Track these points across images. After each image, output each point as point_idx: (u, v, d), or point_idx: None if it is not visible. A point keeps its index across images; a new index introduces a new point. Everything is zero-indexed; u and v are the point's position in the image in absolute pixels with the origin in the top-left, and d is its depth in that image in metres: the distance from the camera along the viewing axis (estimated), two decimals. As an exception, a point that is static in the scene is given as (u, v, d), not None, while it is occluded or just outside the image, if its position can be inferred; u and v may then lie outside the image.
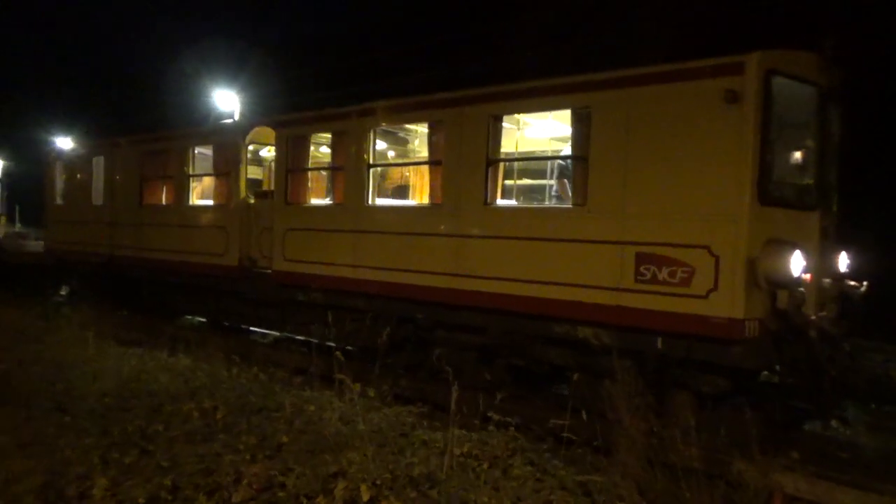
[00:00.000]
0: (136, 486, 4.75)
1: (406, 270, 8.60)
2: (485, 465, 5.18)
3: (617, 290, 6.69)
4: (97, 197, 14.97)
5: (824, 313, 6.87)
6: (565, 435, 5.52)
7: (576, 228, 7.09)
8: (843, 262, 7.14)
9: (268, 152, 12.37)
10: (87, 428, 5.94)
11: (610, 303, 6.73)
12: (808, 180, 7.04)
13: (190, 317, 13.82)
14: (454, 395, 5.36)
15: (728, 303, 6.05)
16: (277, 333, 11.78)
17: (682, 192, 6.40)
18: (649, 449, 5.38)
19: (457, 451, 5.24)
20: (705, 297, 6.16)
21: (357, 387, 5.71)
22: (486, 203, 7.86)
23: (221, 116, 19.63)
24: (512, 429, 5.79)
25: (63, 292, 16.40)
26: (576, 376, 6.43)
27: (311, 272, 9.83)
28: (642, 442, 5.34)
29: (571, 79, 7.36)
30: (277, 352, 10.45)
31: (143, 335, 10.97)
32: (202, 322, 13.46)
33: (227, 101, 20.96)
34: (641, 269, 6.53)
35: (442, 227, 8.27)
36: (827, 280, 6.97)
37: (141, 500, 4.54)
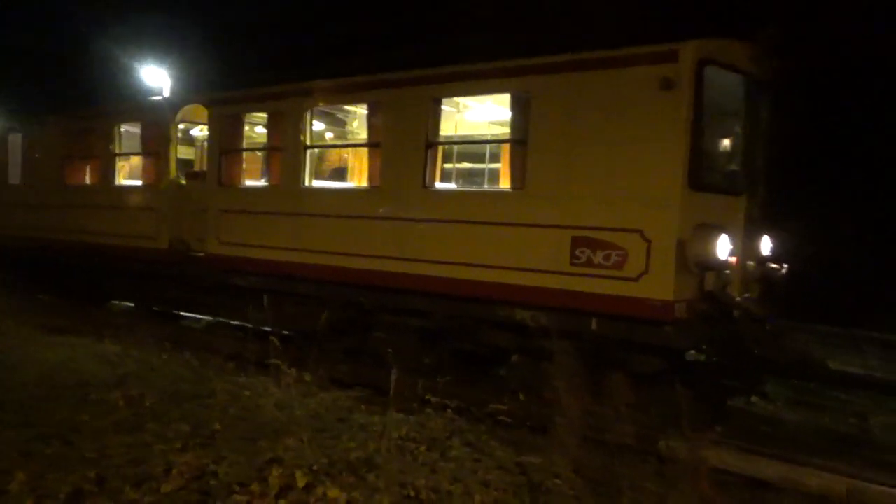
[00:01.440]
0: (59, 479, 4.52)
1: (345, 254, 8.48)
2: (423, 448, 5.19)
3: (554, 273, 6.78)
4: (14, 176, 14.12)
5: (748, 295, 7.16)
6: (503, 417, 5.58)
7: (514, 212, 7.14)
8: (766, 245, 7.44)
9: (200, 132, 11.93)
10: (6, 420, 5.63)
11: (547, 286, 6.82)
12: (736, 166, 7.30)
13: (119, 302, 13.27)
14: (394, 378, 5.33)
15: (659, 285, 6.22)
16: (211, 318, 11.46)
17: (616, 177, 6.52)
18: (585, 428, 5.50)
19: (395, 435, 5.24)
20: (637, 279, 6.32)
21: (293, 372, 5.61)
22: (425, 186, 7.81)
23: (150, 93, 18.79)
24: (450, 411, 5.82)
25: None
26: (515, 358, 6.50)
27: (247, 256, 9.57)
28: (579, 421, 5.46)
29: (511, 63, 7.36)
30: (211, 337, 10.16)
31: (68, 322, 10.49)
32: (132, 308, 12.95)
33: (156, 77, 20.10)
34: (577, 252, 6.63)
35: (381, 210, 8.18)
36: (751, 263, 7.26)
37: (62, 495, 4.33)
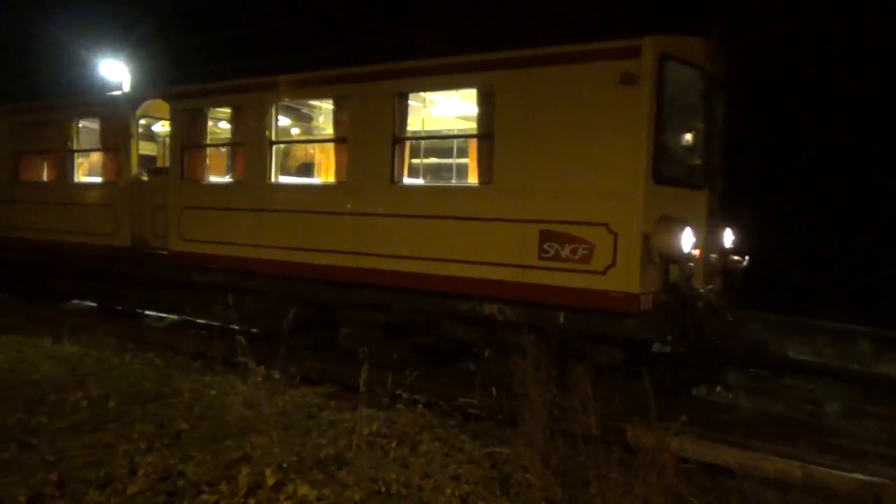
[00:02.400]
0: (17, 483, 4.40)
1: (311, 250, 8.40)
2: (393, 443, 5.19)
3: (522, 266, 6.83)
4: None
5: (711, 286, 7.33)
6: (473, 410, 5.61)
7: (482, 207, 7.17)
8: (728, 238, 7.63)
9: (162, 127, 11.67)
10: (-44, 424, 5.44)
11: (515, 279, 6.87)
12: (697, 161, 7.47)
13: (78, 301, 12.90)
14: (364, 374, 5.31)
15: (625, 278, 6.32)
16: (175, 317, 11.24)
17: (582, 171, 6.58)
18: (552, 419, 5.57)
19: (365, 431, 5.22)
20: (604, 272, 6.41)
21: (261, 369, 5.54)
22: (392, 181, 7.80)
23: (108, 87, 18.28)
24: (420, 406, 5.83)
25: None
26: (487, 353, 6.54)
27: (211, 252, 9.41)
28: (545, 413, 5.52)
29: (475, 57, 7.36)
30: (174, 336, 9.94)
31: (20, 321, 10.15)
32: (92, 307, 12.60)
33: (115, 71, 19.56)
34: (545, 246, 6.69)
35: (348, 206, 8.13)
36: (713, 255, 7.43)
37: (22, 499, 4.21)
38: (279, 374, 6.12)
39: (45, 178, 12.19)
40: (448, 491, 4.51)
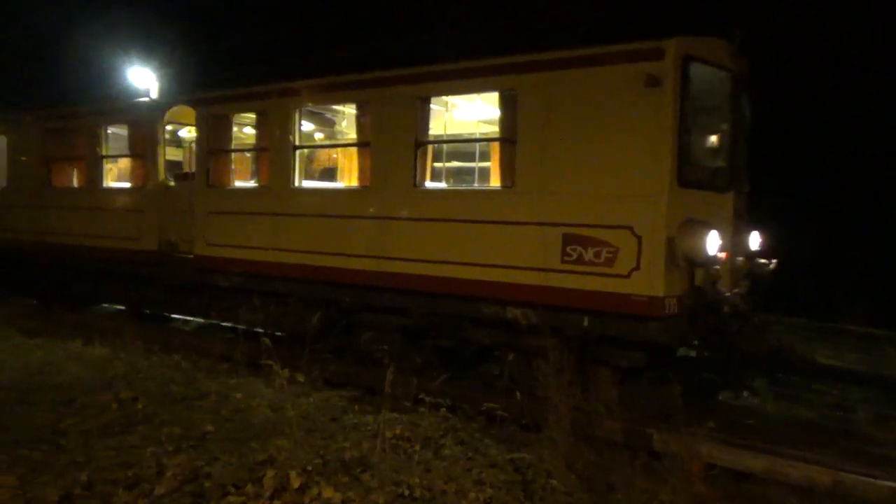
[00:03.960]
0: (48, 483, 4.48)
1: (334, 254, 8.44)
2: (417, 447, 5.19)
3: (544, 270, 6.79)
4: (0, 179, 13.91)
5: (738, 290, 7.24)
6: (499, 413, 5.59)
7: (505, 210, 7.15)
8: (755, 240, 7.52)
9: (188, 133, 11.82)
10: (-11, 424, 5.56)
11: (538, 283, 6.83)
12: (722, 163, 7.35)
13: (107, 305, 13.11)
14: (388, 378, 5.32)
15: (649, 281, 6.24)
16: (202, 320, 11.37)
17: (605, 175, 6.51)
18: (576, 424, 5.54)
19: (388, 434, 5.23)
20: (628, 276, 6.34)
21: (286, 373, 5.59)
22: (415, 185, 7.82)
23: (136, 94, 18.60)
24: (444, 410, 5.82)
25: None
26: (511, 357, 6.49)
27: (236, 256, 9.49)
28: (569, 417, 5.49)
29: (497, 60, 7.35)
30: (201, 339, 10.08)
31: (49, 324, 10.35)
32: (117, 310, 12.81)
33: (142, 78, 19.90)
34: (568, 249, 6.64)
35: (370, 210, 8.16)
36: (739, 258, 7.33)
37: (54, 498, 4.29)
38: (303, 377, 6.15)
39: (74, 183, 12.42)
40: (472, 495, 4.50)
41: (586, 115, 6.67)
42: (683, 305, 6.42)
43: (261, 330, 7.40)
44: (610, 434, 6.00)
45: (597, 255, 6.49)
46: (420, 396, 5.92)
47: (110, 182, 11.96)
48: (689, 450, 4.94)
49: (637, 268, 6.31)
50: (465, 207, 7.52)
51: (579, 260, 6.58)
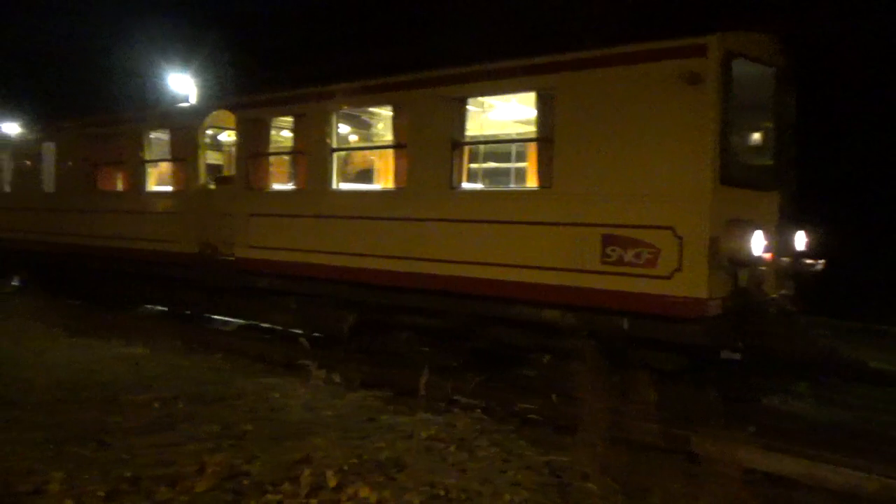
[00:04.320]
0: (94, 479, 4.61)
1: (371, 255, 8.46)
2: (451, 448, 5.20)
3: (583, 271, 6.71)
4: (48, 183, 14.35)
5: (784, 291, 7.03)
6: (532, 416, 5.56)
7: (542, 211, 7.06)
8: (801, 240, 7.30)
9: (227, 137, 11.99)
10: (39, 421, 5.74)
11: (577, 284, 6.75)
12: (767, 161, 7.16)
13: (151, 307, 13.42)
14: (423, 379, 5.34)
15: (692, 283, 6.10)
16: (241, 321, 11.56)
17: (646, 174, 6.40)
18: (614, 427, 5.47)
19: (423, 435, 5.25)
20: (670, 277, 6.20)
21: (322, 373, 5.65)
22: (451, 186, 7.80)
23: (176, 100, 19.06)
24: (478, 411, 5.82)
25: (13, 283, 15.77)
26: (546, 359, 6.46)
27: (276, 259, 9.57)
28: (605, 420, 5.43)
29: (535, 60, 7.27)
30: (238, 339, 10.26)
31: (94, 325, 10.65)
32: (161, 311, 13.11)
33: (182, 84, 20.37)
34: (608, 250, 6.53)
35: (407, 212, 8.15)
36: (785, 259, 7.12)
37: (100, 494, 4.41)
38: (339, 377, 6.22)
39: (118, 187, 12.75)
40: (506, 497, 4.48)
41: (626, 114, 6.55)
42: (727, 307, 6.25)
43: (299, 331, 7.48)
44: (646, 437, 5.91)
45: (637, 256, 6.37)
46: (454, 398, 5.93)
47: (153, 186, 12.23)
48: (727, 453, 4.84)
49: (679, 269, 6.17)
50: (502, 208, 7.47)
51: (619, 261, 6.47)
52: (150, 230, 11.70)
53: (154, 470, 4.73)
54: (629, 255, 6.41)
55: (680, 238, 6.16)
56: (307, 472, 4.55)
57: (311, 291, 9.07)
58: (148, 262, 11.76)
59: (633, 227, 6.42)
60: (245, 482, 4.56)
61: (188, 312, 12.16)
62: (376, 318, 8.64)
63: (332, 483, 4.46)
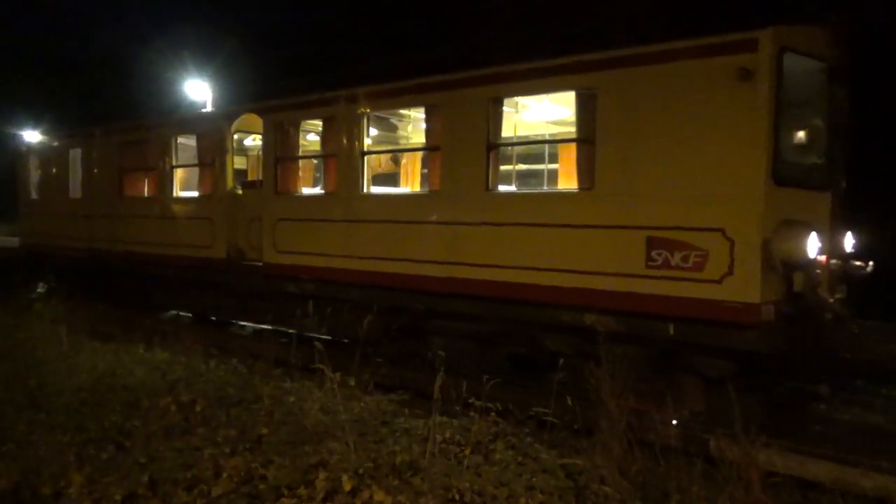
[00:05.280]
0: (113, 483, 4.67)
1: (403, 260, 8.36)
2: (467, 451, 5.18)
3: (627, 275, 6.51)
4: (75, 190, 14.54)
5: (839, 295, 6.77)
6: (548, 419, 5.52)
7: (583, 213, 6.89)
8: (849, 242, 7.03)
9: (252, 141, 11.97)
10: (61, 424, 5.84)
11: (620, 289, 6.56)
12: (818, 159, 6.88)
13: (175, 312, 13.51)
14: (438, 381, 5.32)
15: (744, 287, 5.90)
16: (267, 326, 11.44)
17: (693, 174, 6.21)
18: (631, 429, 5.41)
19: (439, 438, 5.24)
20: (720, 281, 6.00)
21: (337, 376, 5.66)
22: (487, 189, 7.62)
23: (194, 106, 19.28)
24: (494, 414, 5.79)
25: (39, 288, 16.03)
26: (588, 367, 6.30)
27: (305, 263, 9.53)
28: (623, 423, 5.37)
29: (576, 58, 7.07)
30: (257, 343, 10.27)
31: (119, 329, 10.78)
32: (179, 316, 13.25)
33: (199, 90, 20.60)
34: (653, 254, 6.35)
35: (441, 215, 8.02)
36: (834, 261, 6.84)
37: (118, 497, 4.47)
38: (355, 380, 6.22)
39: (145, 193, 12.83)
40: (522, 500, 4.46)
41: (672, 113, 6.37)
42: (781, 312, 6.02)
43: (326, 336, 7.42)
44: (665, 439, 5.83)
45: (684, 259, 6.19)
46: (470, 401, 5.90)
47: (180, 191, 12.26)
48: (747, 456, 4.76)
49: (730, 272, 5.97)
50: (541, 211, 7.31)
51: (665, 265, 6.30)
52: (177, 235, 11.73)
53: (172, 474, 4.78)
54: (676, 259, 6.23)
55: (731, 240, 5.95)
56: (322, 476, 4.56)
57: (340, 296, 8.99)
58: (175, 267, 11.77)
59: (680, 229, 6.23)
60: (261, 486, 4.59)
61: (213, 318, 12.14)
62: (409, 324, 8.51)
63: (348, 487, 4.47)
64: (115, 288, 13.81)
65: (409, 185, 10.88)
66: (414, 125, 10.41)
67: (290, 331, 9.70)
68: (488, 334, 7.74)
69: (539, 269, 7.13)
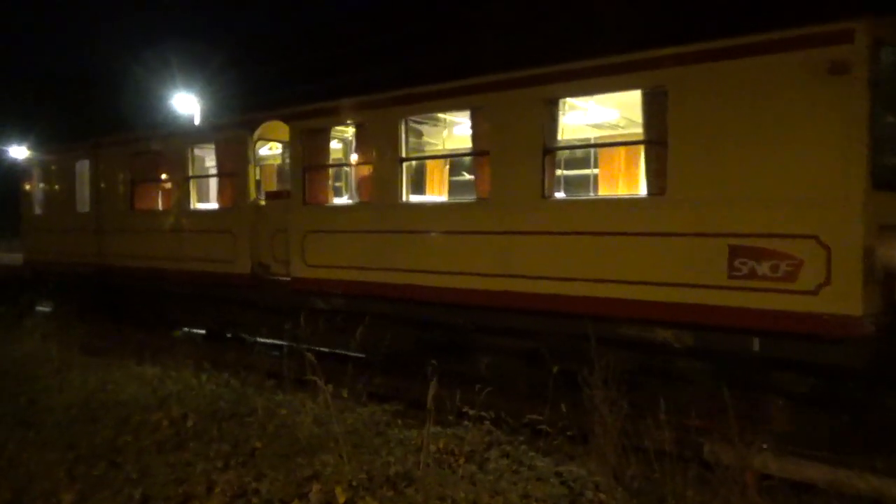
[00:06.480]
0: (105, 499, 4.64)
1: (448, 273, 7.88)
2: (461, 460, 5.17)
3: (706, 287, 6.11)
4: (82, 204, 13.94)
5: None
6: (543, 427, 5.50)
7: (653, 220, 6.48)
8: None
9: (268, 150, 11.53)
10: (52, 441, 5.79)
11: (696, 301, 6.16)
12: None
13: (187, 329, 12.79)
14: (431, 391, 5.30)
15: (843, 298, 5.51)
16: (291, 344, 10.84)
17: (782, 177, 5.80)
18: (625, 435, 5.39)
19: (433, 448, 5.22)
20: (815, 292, 5.62)
21: (330, 388, 5.64)
22: (543, 196, 7.19)
23: (179, 119, 19.24)
24: (487, 422, 5.78)
25: (41, 307, 15.54)
26: (555, 369, 6.15)
27: (336, 277, 9.01)
28: (617, 429, 5.35)
29: (642, 55, 6.63)
30: (249, 355, 10.07)
31: (111, 344, 10.68)
32: (193, 333, 12.82)
33: (187, 103, 20.55)
34: (736, 263, 5.94)
35: (491, 224, 7.55)
36: None
37: (110, 514, 4.43)
38: (347, 392, 6.19)
39: (159, 206, 12.23)
40: (517, 509, 4.45)
41: (756, 110, 5.92)
42: (881, 325, 5.61)
43: (359, 354, 7.07)
44: (659, 444, 5.82)
45: (773, 268, 5.77)
46: (463, 409, 5.88)
47: (197, 204, 11.72)
48: (742, 460, 4.77)
49: (827, 283, 5.56)
50: (605, 218, 6.86)
51: (751, 275, 5.86)
52: (195, 250, 11.13)
53: (164, 489, 4.75)
54: (763, 269, 5.81)
55: (827, 248, 5.55)
56: (316, 488, 4.54)
57: (376, 311, 8.46)
58: (194, 284, 11.18)
59: (768, 236, 5.80)
60: (254, 500, 4.57)
61: (229, 335, 11.41)
62: (453, 340, 8.10)
63: (342, 499, 4.45)
64: (126, 305, 13.12)
65: (437, 192, 10.35)
66: (450, 130, 9.93)
67: (321, 349, 9.12)
68: (541, 350, 7.03)
69: (601, 281, 6.72)
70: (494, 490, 4.68)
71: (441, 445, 5.34)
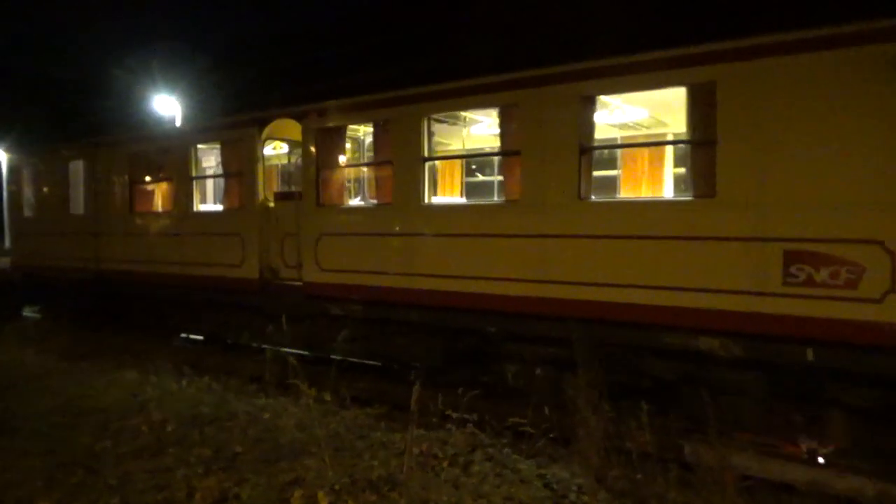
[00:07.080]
0: (83, 507, 4.56)
1: (474, 277, 7.59)
2: (445, 464, 5.16)
3: (758, 294, 5.90)
4: (77, 205, 13.36)
5: None
6: (525, 429, 5.51)
7: (701, 224, 6.23)
8: None
9: (272, 150, 11.16)
10: (29, 449, 5.70)
11: (747, 309, 5.95)
12: None
13: (186, 335, 12.20)
14: (415, 395, 5.28)
15: None
16: (303, 352, 9.33)
17: (844, 179, 5.57)
18: (608, 437, 5.41)
19: (416, 451, 5.20)
20: (880, 300, 5.43)
21: (313, 391, 5.60)
22: (580, 197, 6.93)
23: (162, 121, 18.94)
24: (471, 425, 5.77)
25: (30, 312, 14.88)
26: (539, 372, 6.10)
27: (353, 282, 8.62)
28: (600, 431, 5.38)
29: (690, 50, 6.34)
30: (231, 359, 9.99)
31: (91, 350, 10.53)
32: (158, 335, 12.69)
33: (168, 106, 20.26)
34: (792, 269, 5.73)
35: (522, 227, 7.28)
36: None
37: (88, 522, 4.36)
38: (329, 395, 6.17)
39: (160, 207, 11.75)
40: (501, 512, 4.45)
41: (814, 108, 5.69)
42: None
43: (376, 363, 6.79)
44: (641, 446, 5.84)
45: (833, 275, 5.56)
46: (447, 412, 5.87)
47: (200, 205, 11.27)
48: (722, 460, 4.81)
49: (893, 290, 5.37)
50: (647, 222, 6.58)
51: (808, 282, 5.65)
52: (199, 253, 10.69)
53: (143, 496, 4.69)
54: (822, 275, 5.60)
55: (892, 254, 5.36)
56: (298, 493, 4.51)
57: (395, 318, 8.21)
58: (198, 289, 10.75)
59: (827, 241, 5.58)
60: (236, 506, 4.51)
61: (229, 342, 10.98)
62: (479, 347, 7.85)
63: None
64: (123, 311, 12.56)
65: (448, 193, 10.04)
66: (468, 130, 9.62)
67: (334, 357, 8.89)
68: (578, 359, 6.69)
69: (642, 287, 6.47)
70: (478, 493, 4.68)
71: (424, 448, 5.33)
